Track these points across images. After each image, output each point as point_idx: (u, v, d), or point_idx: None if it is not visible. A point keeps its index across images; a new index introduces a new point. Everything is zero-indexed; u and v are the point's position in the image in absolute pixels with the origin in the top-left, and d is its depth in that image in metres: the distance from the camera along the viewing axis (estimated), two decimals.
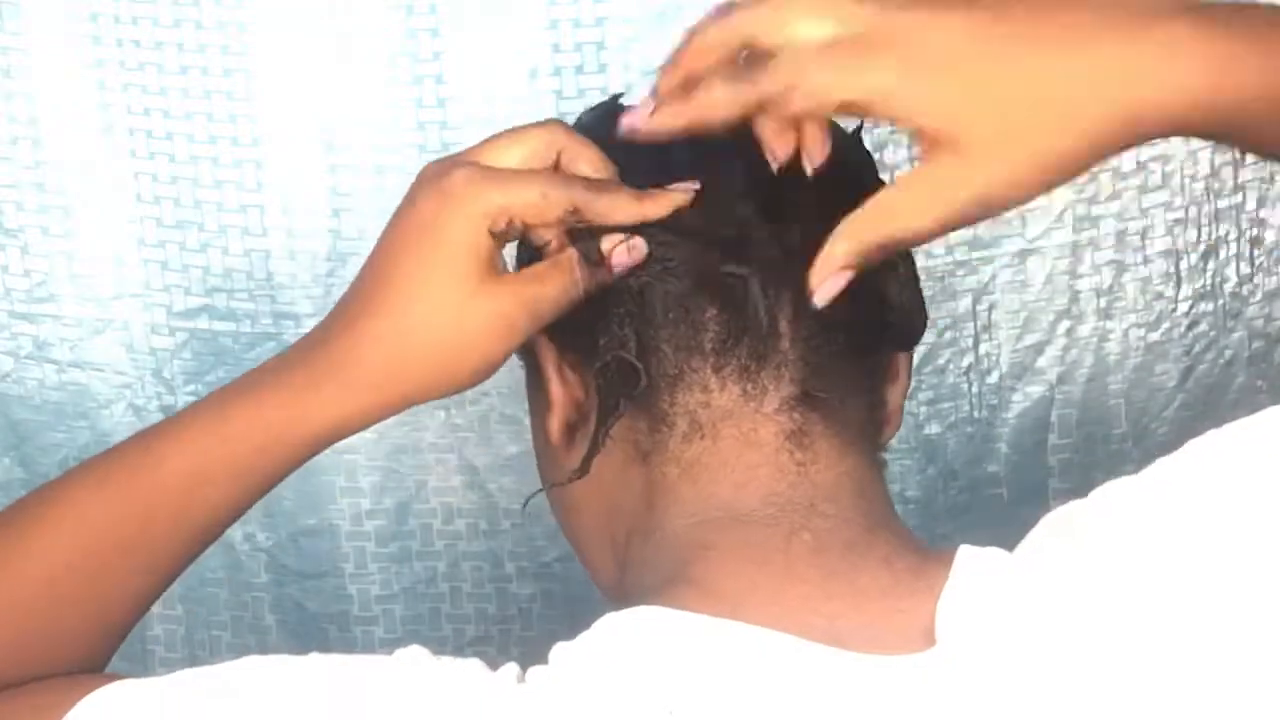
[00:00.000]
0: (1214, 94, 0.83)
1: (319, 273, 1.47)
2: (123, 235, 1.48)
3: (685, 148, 0.95)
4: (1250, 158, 1.41)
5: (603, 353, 0.97)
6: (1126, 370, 1.46)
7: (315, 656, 0.87)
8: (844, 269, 0.88)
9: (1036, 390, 1.47)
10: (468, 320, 0.94)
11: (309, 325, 1.43)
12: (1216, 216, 1.44)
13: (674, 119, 0.90)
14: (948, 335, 1.46)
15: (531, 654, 1.37)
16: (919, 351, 1.42)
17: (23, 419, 1.51)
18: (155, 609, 1.49)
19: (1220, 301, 1.45)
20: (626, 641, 0.86)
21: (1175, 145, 1.42)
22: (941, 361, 1.46)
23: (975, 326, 1.46)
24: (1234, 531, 0.84)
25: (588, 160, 0.97)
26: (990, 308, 1.46)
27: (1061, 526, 0.87)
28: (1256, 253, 1.44)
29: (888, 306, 1.00)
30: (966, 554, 0.88)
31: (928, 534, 1.46)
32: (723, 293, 0.95)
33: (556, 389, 1.00)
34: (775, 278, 0.95)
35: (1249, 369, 1.46)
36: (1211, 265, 1.44)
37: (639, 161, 0.98)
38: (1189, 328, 1.45)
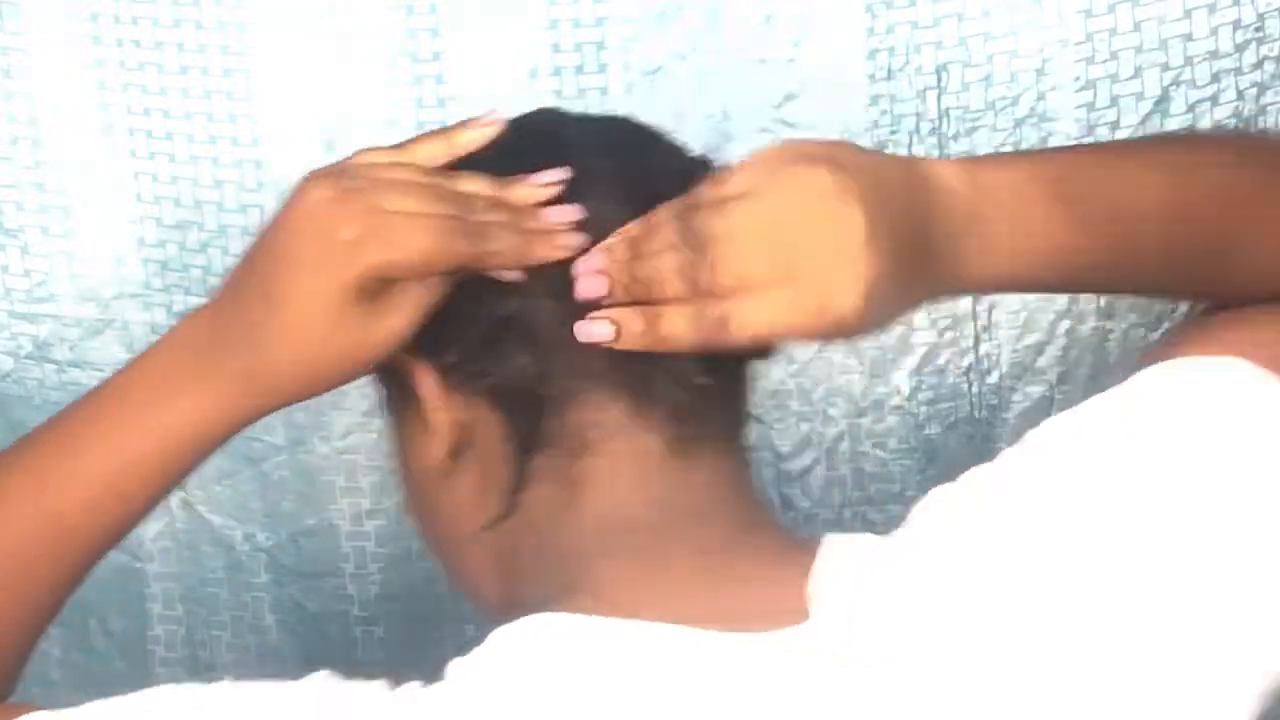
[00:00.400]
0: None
1: None
2: (123, 235, 1.47)
3: (559, 169, 1.02)
4: None
5: (501, 381, 1.00)
6: (1127, 370, 1.41)
7: (224, 685, 0.91)
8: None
9: (1037, 390, 1.46)
10: (364, 338, 0.99)
11: None
12: None
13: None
14: (948, 335, 1.45)
15: None
16: (920, 352, 1.43)
17: (22, 419, 1.49)
18: (155, 609, 1.51)
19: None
20: (522, 650, 0.89)
21: None
22: (941, 362, 1.46)
23: (975, 327, 1.45)
24: (1079, 504, 0.93)
25: (506, 240, 0.99)
26: (990, 308, 1.45)
27: (930, 507, 0.97)
28: None
29: None
30: (832, 538, 0.95)
31: None
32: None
33: (440, 416, 1.02)
34: None
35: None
36: None
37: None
38: None
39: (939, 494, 0.99)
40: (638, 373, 0.99)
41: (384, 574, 1.54)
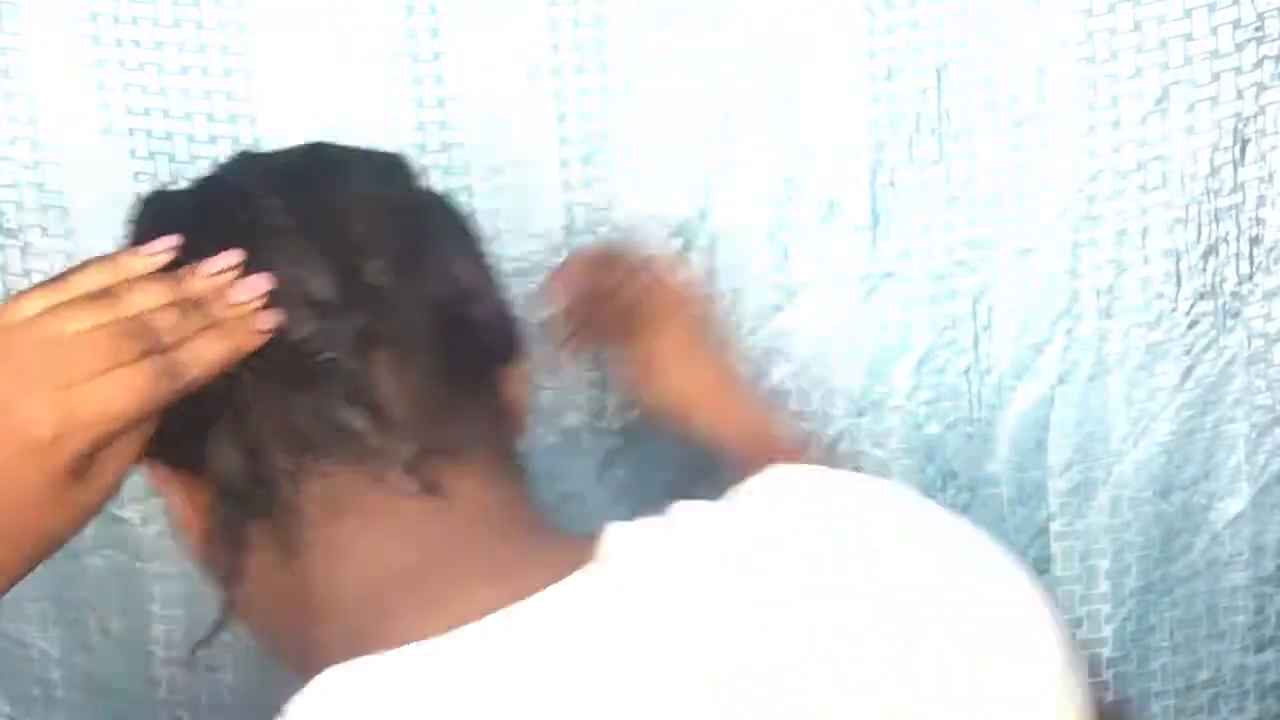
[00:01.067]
0: None
1: None
2: (123, 235, 1.46)
3: (235, 232, 0.96)
4: (1250, 157, 1.42)
5: (213, 478, 0.96)
6: (1127, 370, 1.46)
7: None
8: None
9: (1036, 390, 1.47)
10: (64, 513, 0.93)
11: None
12: (1216, 216, 1.43)
13: None
14: (947, 335, 1.46)
15: None
16: (918, 351, 1.43)
17: None
18: (155, 609, 1.50)
19: (1220, 301, 1.45)
20: (315, 709, 0.83)
21: (1174, 145, 1.42)
22: (941, 361, 1.46)
23: (975, 326, 1.46)
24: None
25: (144, 264, 0.95)
26: (990, 308, 1.45)
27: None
28: (1256, 252, 1.44)
29: (477, 331, 1.01)
30: (617, 525, 0.91)
31: None
32: (312, 379, 0.95)
33: (184, 507, 1.00)
34: (361, 349, 0.95)
35: (1249, 368, 1.46)
36: (1211, 264, 1.44)
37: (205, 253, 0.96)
38: (1189, 327, 1.45)
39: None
40: (359, 434, 0.96)
41: None
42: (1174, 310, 1.45)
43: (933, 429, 1.48)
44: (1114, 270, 1.45)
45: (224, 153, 1.41)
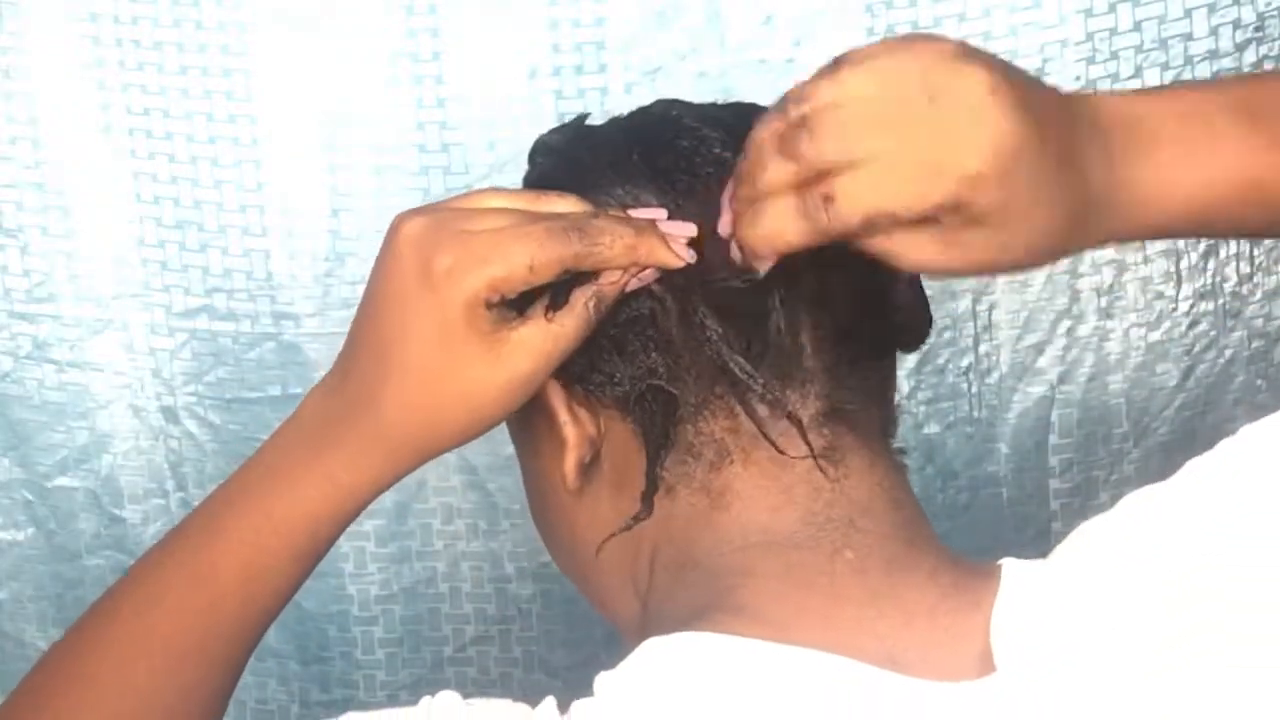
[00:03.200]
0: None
1: (318, 273, 1.48)
2: (122, 235, 1.48)
3: (675, 164, 0.95)
4: None
5: (633, 384, 0.94)
6: (1127, 370, 1.47)
7: (350, 716, 0.86)
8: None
9: (1037, 390, 1.48)
10: (488, 378, 0.92)
11: (308, 325, 1.49)
12: None
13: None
14: (947, 335, 1.46)
15: (531, 655, 1.36)
16: (919, 351, 1.43)
17: (22, 419, 1.52)
18: None
19: (1220, 301, 1.45)
20: (675, 669, 0.84)
21: None
22: (941, 361, 1.47)
23: (975, 326, 1.46)
24: (1268, 534, 0.83)
25: (613, 235, 0.92)
26: (990, 307, 1.46)
27: (1099, 542, 0.86)
28: (1256, 252, 1.44)
29: (895, 309, 0.98)
30: (1013, 570, 0.86)
31: None
32: (739, 313, 0.92)
33: (570, 429, 0.96)
34: (791, 291, 0.92)
35: (1249, 368, 1.46)
36: (1212, 264, 1.44)
37: (635, 178, 0.95)
38: (1189, 327, 1.45)
39: (1101, 528, 0.88)
40: (772, 376, 0.93)
41: (383, 574, 1.53)
42: (1174, 310, 1.45)
43: (933, 429, 1.48)
44: (1114, 270, 1.45)
45: (224, 153, 1.45)
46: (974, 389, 1.48)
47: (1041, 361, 1.47)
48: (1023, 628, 0.84)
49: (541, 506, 1.04)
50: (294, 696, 1.54)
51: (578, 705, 0.82)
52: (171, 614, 1.01)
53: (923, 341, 1.03)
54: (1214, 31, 1.39)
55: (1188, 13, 1.39)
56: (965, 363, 1.47)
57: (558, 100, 1.43)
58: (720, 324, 0.92)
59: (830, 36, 1.41)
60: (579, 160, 0.99)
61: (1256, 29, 1.39)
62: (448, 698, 0.85)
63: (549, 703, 0.83)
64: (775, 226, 0.85)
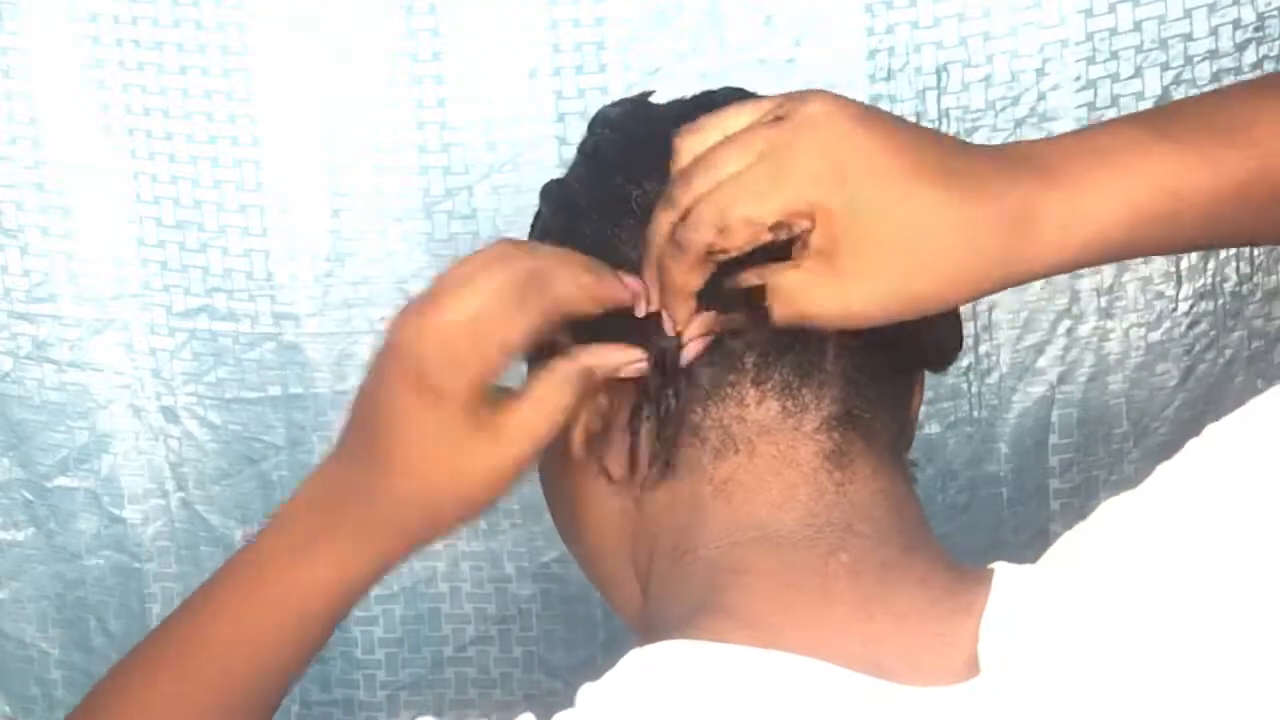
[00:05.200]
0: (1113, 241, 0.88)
1: (319, 273, 1.49)
2: (122, 235, 1.49)
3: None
4: None
5: (650, 350, 0.94)
6: (1127, 369, 1.47)
7: None
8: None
9: (1037, 390, 1.48)
10: (486, 468, 0.93)
11: (308, 325, 1.49)
12: None
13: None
14: None
15: (531, 655, 1.36)
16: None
17: (22, 419, 1.52)
18: (155, 609, 1.52)
19: (1220, 301, 1.45)
20: (658, 681, 0.84)
21: None
22: None
23: (975, 327, 1.46)
24: (1242, 533, 0.83)
25: (567, 278, 0.93)
26: (990, 308, 1.46)
27: (1082, 550, 0.87)
28: (1255, 252, 1.44)
29: (928, 329, 0.98)
30: (1004, 575, 0.87)
31: None
32: (758, 301, 0.92)
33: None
34: None
35: (1249, 368, 1.46)
36: (1211, 264, 1.44)
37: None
38: (1189, 327, 1.45)
39: (1078, 539, 0.89)
40: (791, 373, 0.94)
41: None
42: (1174, 310, 1.45)
43: (933, 429, 1.48)
44: (1114, 270, 1.45)
45: (224, 153, 1.46)
46: (974, 389, 1.48)
47: (1041, 361, 1.47)
48: (1010, 632, 0.85)
49: (555, 493, 1.06)
50: (294, 696, 1.53)
51: (559, 718, 0.83)
52: (186, 691, 1.05)
53: (950, 363, 1.05)
54: (1214, 31, 1.39)
55: (1188, 13, 1.39)
56: (965, 363, 1.47)
57: (558, 100, 1.44)
58: (745, 312, 0.93)
59: (830, 37, 1.42)
60: (633, 135, 1.01)
61: (1256, 29, 1.39)
62: None
63: (526, 718, 0.83)
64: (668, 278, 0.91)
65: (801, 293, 0.88)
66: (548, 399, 0.93)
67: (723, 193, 0.88)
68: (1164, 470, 0.87)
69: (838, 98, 0.88)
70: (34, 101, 1.47)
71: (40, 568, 1.55)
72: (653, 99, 1.06)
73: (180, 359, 1.51)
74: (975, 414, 1.49)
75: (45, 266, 1.50)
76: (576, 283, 0.92)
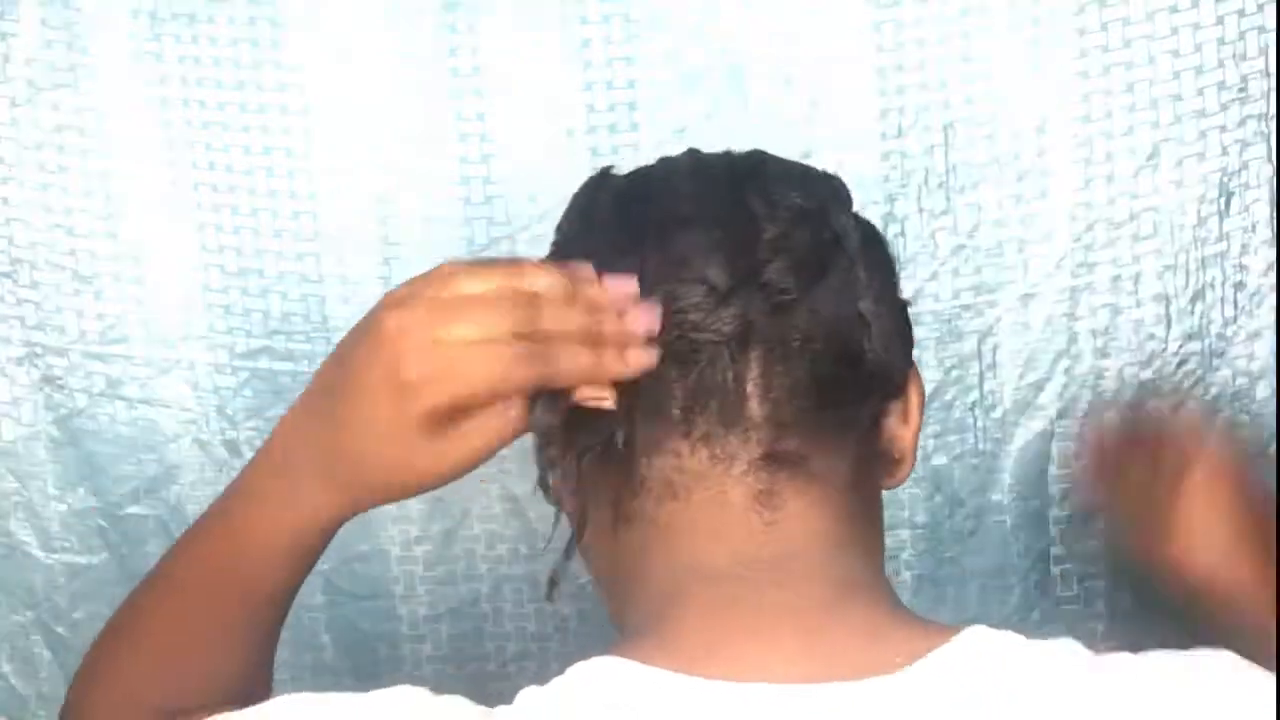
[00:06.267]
0: None
1: None
2: (189, 281, 1.52)
3: (648, 217, 1.01)
4: (1234, 208, 1.45)
5: (589, 449, 0.98)
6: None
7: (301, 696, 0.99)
8: None
9: (1037, 424, 1.50)
10: (433, 467, 0.99)
11: None
12: (1203, 263, 1.47)
13: None
14: (954, 374, 1.48)
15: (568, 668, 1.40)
16: (927, 388, 1.46)
17: (96, 452, 1.55)
18: None
19: (1207, 341, 1.48)
20: (583, 692, 0.89)
21: (1165, 197, 1.45)
22: (948, 397, 1.49)
23: (980, 365, 1.49)
24: None
25: (569, 357, 0.96)
26: (994, 348, 1.49)
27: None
28: (1240, 296, 1.47)
29: (861, 361, 1.00)
30: (973, 633, 0.90)
31: (934, 558, 1.52)
32: (687, 359, 0.97)
33: (556, 483, 1.03)
34: (740, 340, 0.96)
35: (1233, 404, 1.48)
36: (1199, 308, 1.47)
37: (603, 228, 1.03)
38: (1178, 366, 1.48)
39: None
40: (715, 422, 0.97)
41: (431, 595, 1.57)
42: (1164, 350, 1.48)
43: (941, 460, 1.51)
44: (1109, 313, 1.48)
45: (282, 205, 1.50)
46: (979, 423, 1.51)
47: (1042, 398, 1.50)
48: (954, 653, 0.88)
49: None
50: None
51: (499, 710, 0.91)
52: (182, 619, 1.14)
53: (899, 392, 1.05)
54: (1200, 93, 1.43)
55: (1176, 75, 1.43)
56: (971, 399, 1.50)
57: (593, 156, 1.47)
58: (669, 368, 0.97)
59: (844, 97, 1.46)
60: (579, 219, 1.09)
61: (1240, 90, 1.43)
62: (415, 689, 0.95)
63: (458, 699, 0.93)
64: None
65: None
66: (496, 420, 0.96)
67: None
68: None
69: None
70: (107, 157, 1.50)
71: (113, 590, 1.54)
72: (615, 171, 1.11)
73: (242, 396, 1.53)
74: (980, 446, 1.51)
75: (117, 310, 1.52)
76: (577, 364, 0.95)
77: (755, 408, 0.97)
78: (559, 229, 1.11)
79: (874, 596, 0.96)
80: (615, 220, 1.03)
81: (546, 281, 0.96)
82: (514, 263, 0.98)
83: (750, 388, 0.97)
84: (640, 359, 0.96)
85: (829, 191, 1.06)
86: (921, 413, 1.07)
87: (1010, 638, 0.90)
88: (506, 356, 0.94)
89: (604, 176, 1.11)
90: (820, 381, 0.98)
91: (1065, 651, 0.90)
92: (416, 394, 0.94)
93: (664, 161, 1.11)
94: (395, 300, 0.97)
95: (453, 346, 0.94)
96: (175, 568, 1.16)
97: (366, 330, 0.98)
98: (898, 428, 1.05)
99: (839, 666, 0.89)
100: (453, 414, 0.96)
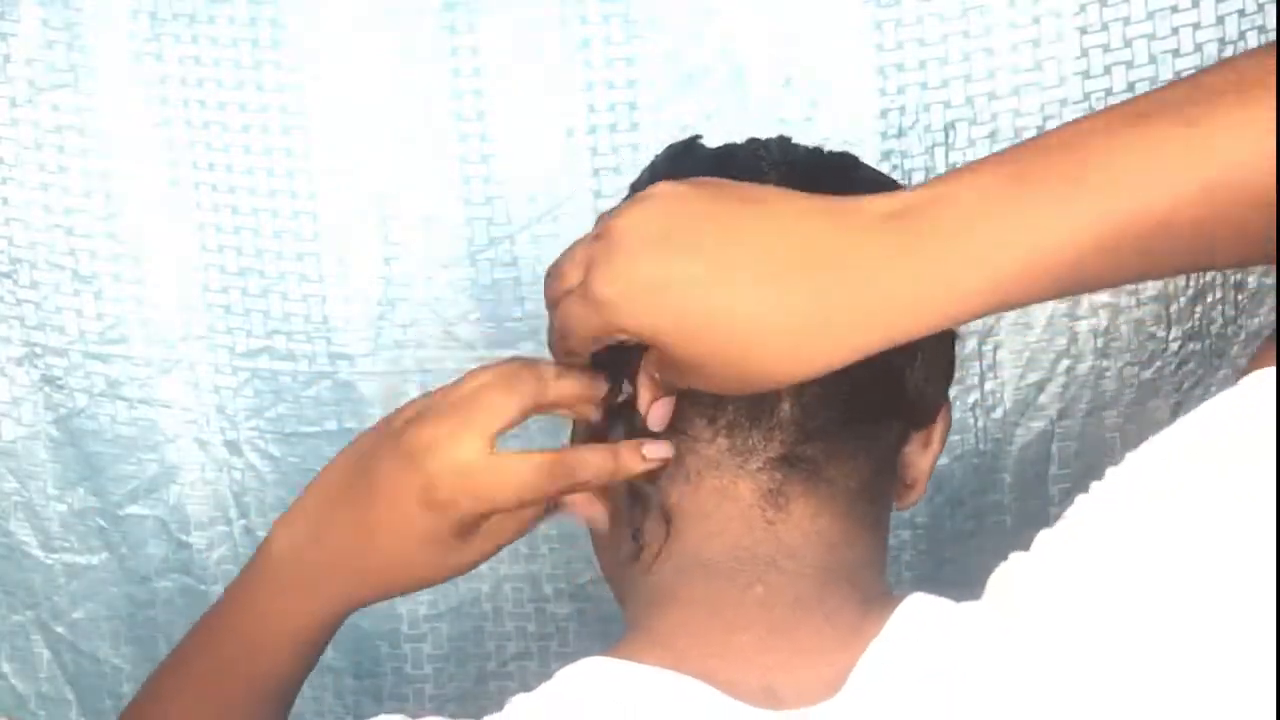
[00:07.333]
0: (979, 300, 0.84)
1: (371, 316, 1.51)
2: (189, 281, 1.53)
3: (668, 448, 1.00)
4: None
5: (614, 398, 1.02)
6: (1122, 405, 1.49)
7: None
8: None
9: (1038, 425, 1.50)
10: (455, 560, 1.05)
11: (361, 365, 1.51)
12: None
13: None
14: (955, 374, 1.41)
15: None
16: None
17: (96, 452, 1.56)
18: None
19: (1207, 341, 1.48)
20: (572, 694, 0.90)
21: None
22: (950, 398, 1.43)
23: (981, 366, 1.49)
24: (1164, 583, 0.81)
25: (569, 392, 1.01)
26: (995, 348, 1.49)
27: (1003, 584, 0.87)
28: (1240, 297, 1.47)
29: (901, 388, 1.01)
30: (909, 606, 0.89)
31: (936, 558, 1.52)
32: None
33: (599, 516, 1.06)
34: None
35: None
36: (1199, 308, 1.47)
37: None
38: (1179, 366, 1.48)
39: (1011, 570, 0.88)
40: (742, 414, 0.97)
41: (431, 595, 1.57)
42: (1165, 351, 1.47)
43: (942, 460, 1.45)
44: (1110, 313, 1.48)
45: (282, 205, 1.50)
46: (980, 423, 1.51)
47: (1042, 398, 1.50)
48: (884, 658, 0.87)
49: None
50: (349, 709, 1.58)
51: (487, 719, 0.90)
52: (198, 688, 1.16)
53: (925, 423, 1.06)
54: None
55: (1177, 75, 1.41)
56: (971, 399, 1.50)
57: (593, 156, 1.48)
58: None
59: (845, 97, 1.46)
60: (662, 177, 1.02)
61: None
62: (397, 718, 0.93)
63: None
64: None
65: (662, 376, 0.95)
66: (517, 519, 1.04)
67: (560, 311, 0.94)
68: (1082, 503, 0.87)
69: (645, 204, 0.89)
70: (107, 157, 1.51)
71: (113, 590, 1.58)
72: (702, 141, 1.09)
73: (243, 396, 1.54)
74: (981, 447, 1.51)
75: (117, 310, 1.53)
76: (597, 468, 0.99)
77: (786, 409, 0.97)
78: (634, 188, 1.08)
79: (845, 590, 0.96)
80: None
81: (570, 393, 1.02)
82: (534, 369, 1.03)
83: (785, 388, 0.96)
84: (657, 451, 0.99)
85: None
86: (943, 443, 1.07)
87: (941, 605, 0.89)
88: (530, 472, 0.99)
89: (691, 144, 1.09)
90: (855, 397, 0.98)
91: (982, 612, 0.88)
92: (449, 511, 1.00)
93: (753, 143, 1.08)
94: (414, 415, 1.02)
95: (481, 468, 0.99)
96: (190, 654, 1.18)
97: (390, 445, 1.02)
98: (917, 453, 1.06)
99: (793, 666, 0.91)
100: (482, 521, 1.02)
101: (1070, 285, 0.84)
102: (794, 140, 1.10)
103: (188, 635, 1.19)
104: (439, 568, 1.05)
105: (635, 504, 1.01)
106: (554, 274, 0.95)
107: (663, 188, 0.89)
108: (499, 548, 1.05)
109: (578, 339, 0.93)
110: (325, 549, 1.08)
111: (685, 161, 1.06)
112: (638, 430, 1.00)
